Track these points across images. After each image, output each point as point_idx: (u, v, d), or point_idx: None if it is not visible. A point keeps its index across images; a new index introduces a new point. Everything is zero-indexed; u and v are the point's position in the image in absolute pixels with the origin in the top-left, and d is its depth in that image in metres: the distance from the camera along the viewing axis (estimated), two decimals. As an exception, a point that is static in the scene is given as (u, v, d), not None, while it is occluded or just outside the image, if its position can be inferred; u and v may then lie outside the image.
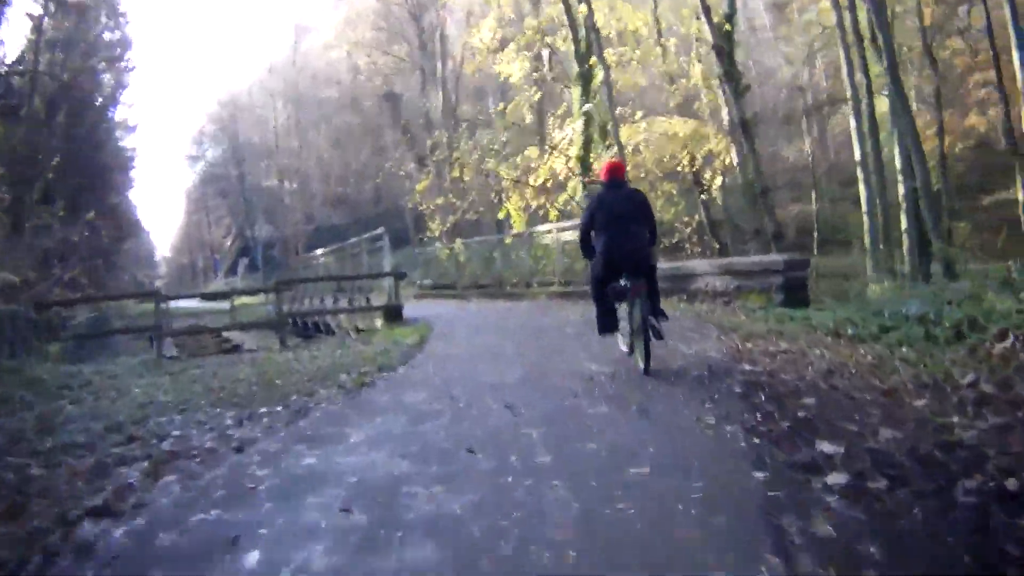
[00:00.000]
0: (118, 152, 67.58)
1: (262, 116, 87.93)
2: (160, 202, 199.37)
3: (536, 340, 15.24)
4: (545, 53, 38.76)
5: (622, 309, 11.89)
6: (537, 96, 40.39)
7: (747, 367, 10.50)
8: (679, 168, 36.52)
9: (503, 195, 37.34)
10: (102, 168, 58.78)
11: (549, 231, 28.59)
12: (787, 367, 10.33)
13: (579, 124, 33.90)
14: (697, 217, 37.32)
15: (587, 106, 33.61)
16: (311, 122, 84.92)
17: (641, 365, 10.80)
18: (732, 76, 31.17)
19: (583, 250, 12.29)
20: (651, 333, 10.82)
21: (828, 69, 51.65)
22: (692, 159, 36.25)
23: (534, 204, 35.04)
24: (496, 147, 36.96)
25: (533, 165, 34.93)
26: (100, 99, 60.24)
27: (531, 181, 34.74)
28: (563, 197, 34.71)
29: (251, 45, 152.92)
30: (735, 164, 33.39)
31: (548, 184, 34.51)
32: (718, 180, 36.06)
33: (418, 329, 18.96)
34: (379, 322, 22.62)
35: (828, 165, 54.87)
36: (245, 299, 47.05)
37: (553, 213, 34.65)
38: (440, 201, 38.22)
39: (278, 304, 24.12)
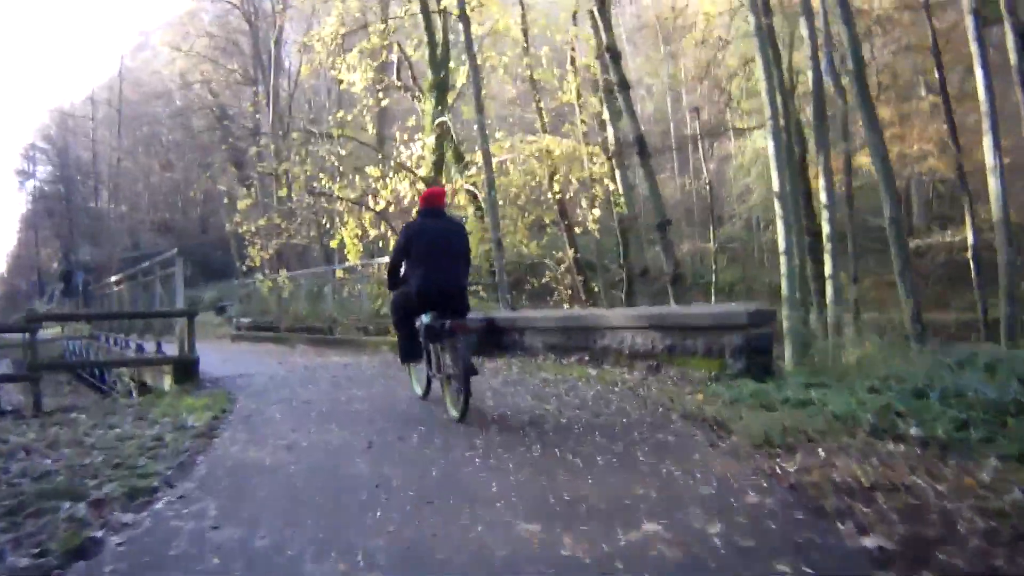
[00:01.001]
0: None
1: (92, 133, 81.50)
2: None
3: (406, 454, 8.70)
4: (394, 59, 32.31)
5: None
6: (385, 102, 33.96)
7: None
8: (550, 195, 30.42)
9: (338, 219, 31.04)
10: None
11: None
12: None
13: (431, 139, 28.60)
14: (572, 253, 31.43)
15: (442, 118, 28.33)
16: (141, 141, 79.78)
17: (454, 414, 10.28)
18: (625, 84, 26.13)
19: (389, 283, 12.20)
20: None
21: (712, 92, 46.92)
22: (560, 187, 30.28)
23: (373, 232, 29.03)
24: (331, 160, 31.26)
25: (374, 186, 28.81)
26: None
27: (371, 204, 28.67)
28: None
29: (87, 56, 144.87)
30: (618, 192, 28.47)
31: (391, 209, 28.63)
32: (595, 212, 29.93)
33: (215, 400, 12.77)
34: (168, 379, 16.31)
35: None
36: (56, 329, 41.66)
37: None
38: (262, 222, 31.59)
39: (28, 350, 17.14)
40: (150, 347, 20.32)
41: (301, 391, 13.70)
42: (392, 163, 29.28)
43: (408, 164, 28.99)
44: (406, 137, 29.44)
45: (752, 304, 15.35)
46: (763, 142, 31.09)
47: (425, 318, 10.85)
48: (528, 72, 31.91)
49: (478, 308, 21.87)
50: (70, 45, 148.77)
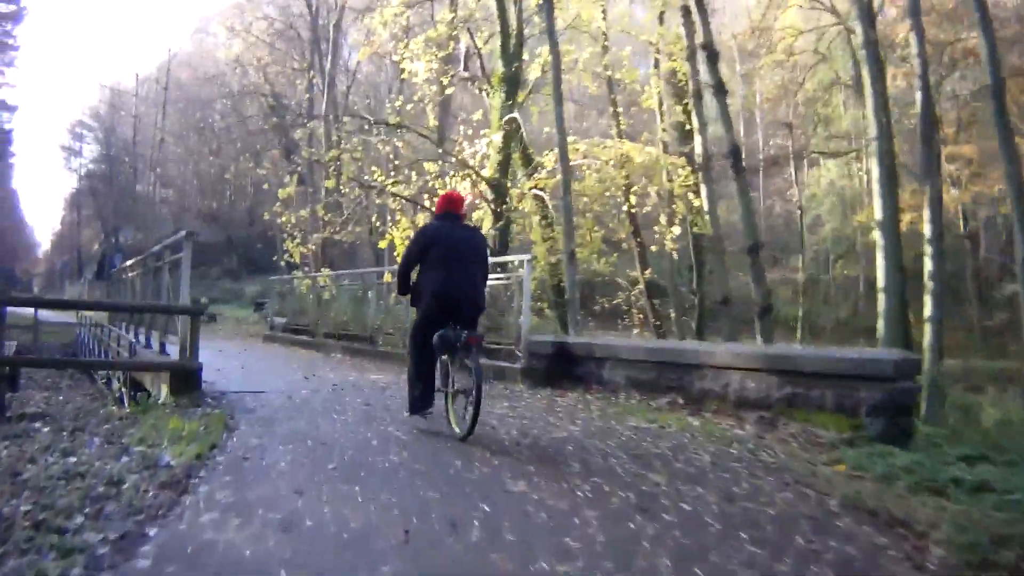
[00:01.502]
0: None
1: (144, 115, 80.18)
2: (45, 196, 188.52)
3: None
4: (462, 48, 29.34)
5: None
6: (450, 90, 31.07)
7: None
8: (624, 208, 27.60)
9: (390, 218, 28.51)
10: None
11: None
12: None
13: (497, 138, 25.50)
14: (647, 273, 28.28)
15: (511, 114, 25.17)
16: (192, 126, 78.04)
17: (459, 432, 9.70)
18: (722, 88, 23.02)
19: (399, 286, 11.37)
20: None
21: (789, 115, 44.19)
22: (636, 199, 27.64)
23: None
24: (386, 151, 28.80)
25: (431, 184, 25.98)
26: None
27: (427, 204, 25.59)
28: None
29: (143, 36, 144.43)
30: (700, 209, 25.65)
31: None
32: (675, 230, 26.93)
33: (210, 427, 9.86)
34: (165, 389, 13.19)
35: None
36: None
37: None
38: (304, 213, 28.43)
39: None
40: (154, 345, 17.18)
41: (323, 423, 10.60)
42: (453, 160, 26.26)
43: (471, 162, 25.96)
44: (470, 132, 26.46)
45: (896, 350, 12.53)
46: (836, 172, 28.05)
47: (444, 331, 10.11)
48: (607, 72, 29.21)
49: (540, 329, 19.84)
50: (129, 23, 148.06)
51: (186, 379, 13.05)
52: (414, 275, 10.89)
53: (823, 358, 11.25)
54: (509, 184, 25.56)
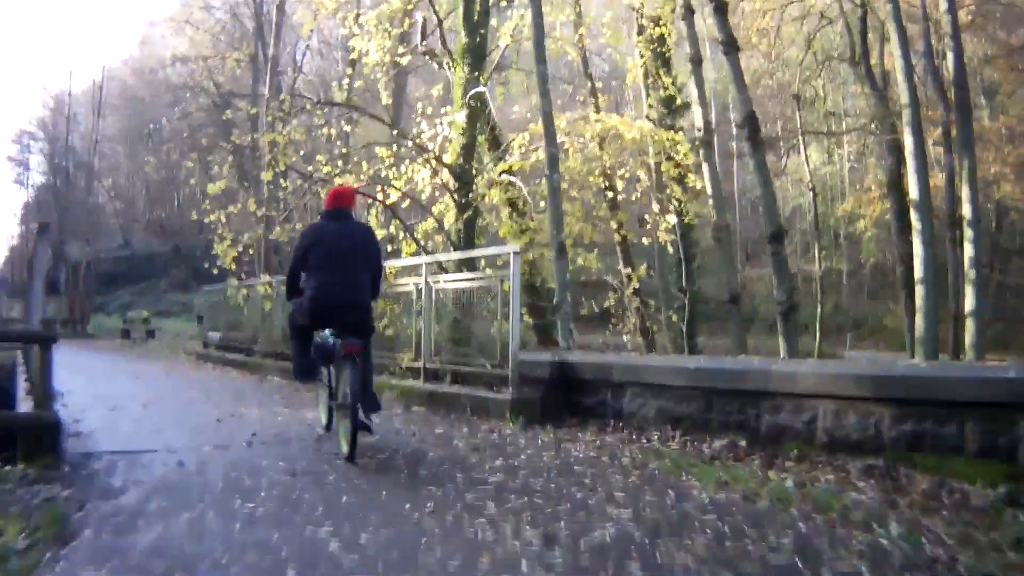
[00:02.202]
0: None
1: (91, 123, 75.41)
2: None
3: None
4: (418, 22, 24.91)
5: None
6: (405, 59, 25.66)
7: None
8: (610, 195, 23.39)
9: None
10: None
11: (414, 270, 16.18)
12: None
13: (460, 116, 20.97)
14: (642, 271, 24.40)
15: (477, 88, 20.99)
16: (139, 135, 76.14)
17: (345, 448, 9.09)
18: (734, 44, 19.75)
19: (289, 294, 10.85)
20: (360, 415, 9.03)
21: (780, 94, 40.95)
22: (619, 183, 23.08)
23: (380, 233, 20.98)
24: (330, 133, 25.10)
25: (385, 174, 21.34)
26: None
27: (380, 196, 21.38)
28: (426, 226, 21.90)
29: (89, 44, 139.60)
30: (707, 191, 22.47)
31: (404, 203, 22.10)
32: (669, 218, 22.82)
33: (35, 533, 5.94)
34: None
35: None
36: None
37: (410, 247, 21.39)
38: (234, 209, 24.23)
39: None
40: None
41: (214, 521, 6.48)
42: (409, 144, 22.09)
43: (430, 147, 21.40)
44: (429, 111, 21.62)
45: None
46: (818, 157, 25.09)
47: (321, 336, 9.90)
48: (582, 41, 25.57)
49: (532, 343, 17.10)
50: (73, 31, 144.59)
51: (37, 441, 8.92)
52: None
53: (958, 379, 7.89)
54: (475, 170, 21.61)
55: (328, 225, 10.24)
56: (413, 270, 16.55)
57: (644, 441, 9.62)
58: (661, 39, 25.20)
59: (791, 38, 35.84)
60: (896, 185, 29.49)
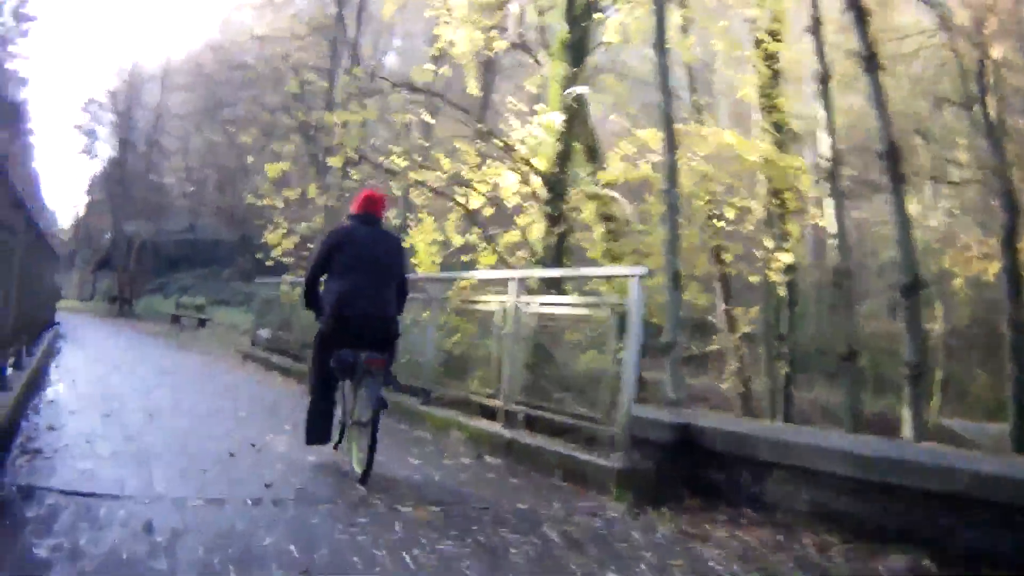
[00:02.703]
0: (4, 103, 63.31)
1: (167, 102, 76.14)
2: (68, 181, 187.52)
3: None
4: (512, 10, 22.32)
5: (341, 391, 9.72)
6: (500, 44, 22.58)
7: None
8: (715, 220, 20.95)
9: (411, 215, 21.98)
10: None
11: (497, 286, 13.13)
12: None
13: (557, 118, 18.20)
14: (753, 313, 21.83)
15: (578, 88, 18.36)
16: (214, 119, 72.25)
17: (358, 469, 8.62)
18: (874, 60, 16.92)
19: (307, 300, 10.03)
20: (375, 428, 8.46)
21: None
22: (731, 211, 20.80)
23: (457, 240, 19.72)
24: (406, 120, 22.67)
25: (465, 174, 19.15)
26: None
27: (459, 198, 19.23)
28: (509, 237, 19.38)
29: (173, 18, 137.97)
30: (829, 230, 19.69)
31: (486, 212, 19.68)
32: (784, 257, 20.34)
33: None
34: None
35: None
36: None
37: (487, 258, 19.04)
38: (291, 194, 21.84)
39: None
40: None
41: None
42: (497, 144, 19.29)
43: (521, 149, 18.94)
44: (522, 108, 19.42)
45: None
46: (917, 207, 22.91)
47: (343, 352, 9.03)
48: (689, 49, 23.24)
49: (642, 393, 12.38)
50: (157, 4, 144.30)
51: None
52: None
53: None
54: (567, 178, 18.80)
55: (357, 229, 9.71)
56: (496, 286, 13.65)
57: (796, 546, 7.05)
58: (772, 55, 22.86)
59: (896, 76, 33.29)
60: (1009, 244, 26.83)
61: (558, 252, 18.07)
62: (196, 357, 24.39)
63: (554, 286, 14.04)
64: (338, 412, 9.70)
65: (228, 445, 9.79)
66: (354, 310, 9.14)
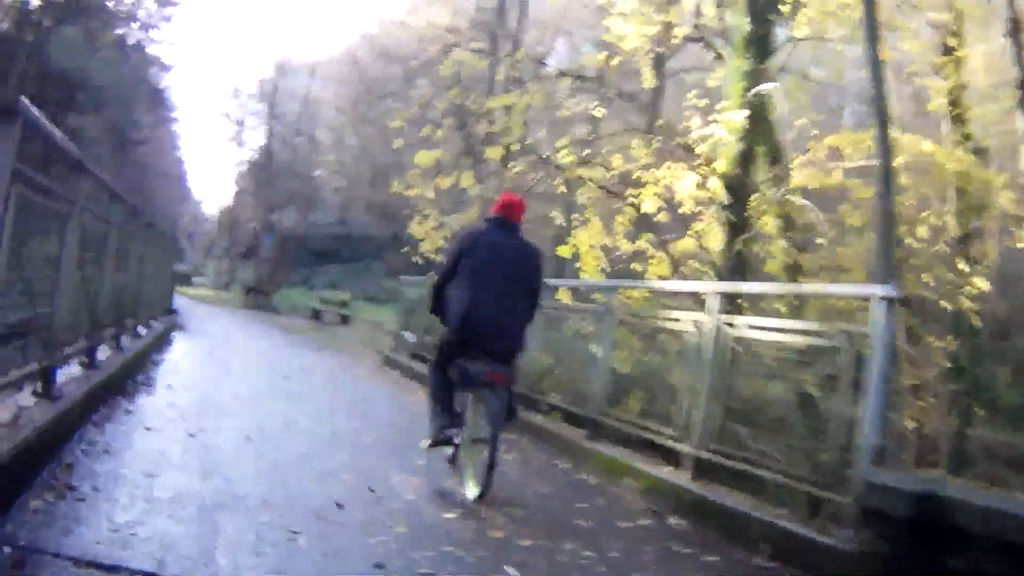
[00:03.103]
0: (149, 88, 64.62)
1: (317, 95, 77.64)
2: (215, 170, 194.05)
3: None
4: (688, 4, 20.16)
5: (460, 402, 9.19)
6: (676, 34, 20.59)
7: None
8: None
9: (576, 215, 19.84)
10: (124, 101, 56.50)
11: (688, 301, 12.20)
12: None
13: (740, 116, 16.32)
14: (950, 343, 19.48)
15: (764, 86, 16.36)
16: (368, 114, 71.78)
17: (473, 490, 8.24)
18: None
19: (433, 304, 9.67)
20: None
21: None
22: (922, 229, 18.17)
23: (626, 246, 18.01)
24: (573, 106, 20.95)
25: (635, 175, 17.65)
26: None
27: (629, 199, 17.51)
28: (683, 245, 17.56)
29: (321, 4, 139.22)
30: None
31: (659, 216, 17.80)
32: (979, 283, 18.06)
33: None
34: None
35: None
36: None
37: (660, 267, 17.45)
38: (442, 183, 20.28)
39: None
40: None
41: None
42: (680, 142, 17.63)
43: (699, 149, 17.13)
44: (703, 104, 17.77)
45: None
46: None
47: (467, 363, 8.68)
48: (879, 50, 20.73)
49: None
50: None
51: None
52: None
53: None
54: (749, 180, 16.68)
55: (490, 233, 9.25)
56: (681, 299, 12.84)
57: None
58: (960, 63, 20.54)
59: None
60: None
61: (739, 263, 16.29)
62: (329, 359, 22.64)
63: (731, 304, 11.39)
64: (445, 421, 9.17)
65: (338, 488, 7.92)
66: (479, 319, 8.79)
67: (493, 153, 20.19)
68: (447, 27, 47.55)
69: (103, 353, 11.55)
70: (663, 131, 17.98)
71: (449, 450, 9.19)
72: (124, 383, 11.79)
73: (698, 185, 17.12)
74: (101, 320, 11.51)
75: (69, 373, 9.40)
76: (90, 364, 10.50)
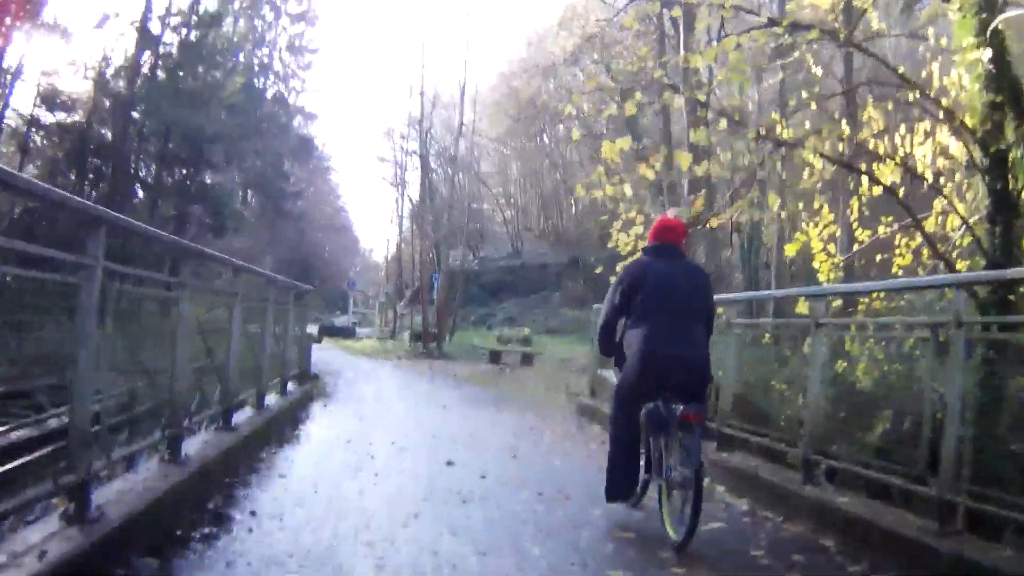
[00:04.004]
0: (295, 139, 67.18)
1: (470, 123, 70.00)
2: (378, 215, 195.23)
3: None
4: None
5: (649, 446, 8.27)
6: None
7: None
8: None
9: (802, 207, 15.84)
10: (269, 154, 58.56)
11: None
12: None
13: (987, 55, 12.26)
14: None
15: (1007, 14, 12.25)
16: (532, 140, 72.72)
17: (673, 534, 7.33)
18: None
19: (602, 343, 8.92)
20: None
21: None
22: None
23: (862, 234, 15.08)
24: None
25: (872, 144, 13.92)
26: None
27: (876, 171, 13.78)
28: (927, 225, 13.54)
29: (473, 43, 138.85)
30: None
31: (901, 186, 14.24)
32: None
33: None
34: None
35: None
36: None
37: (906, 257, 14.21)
38: (646, 171, 16.66)
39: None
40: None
41: None
42: (919, 94, 13.51)
43: (946, 102, 13.34)
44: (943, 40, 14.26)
45: None
46: None
47: (653, 404, 7.82)
48: None
49: None
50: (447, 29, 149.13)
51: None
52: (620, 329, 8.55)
53: None
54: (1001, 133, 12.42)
55: (656, 264, 8.34)
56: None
57: None
58: None
59: None
60: None
61: (1005, 241, 12.47)
62: (510, 418, 17.86)
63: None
64: (640, 468, 8.44)
65: None
66: (664, 356, 7.92)
67: (698, 137, 16.22)
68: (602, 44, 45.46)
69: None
70: (903, 83, 14.10)
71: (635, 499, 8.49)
72: (211, 495, 8.40)
73: (935, 147, 13.96)
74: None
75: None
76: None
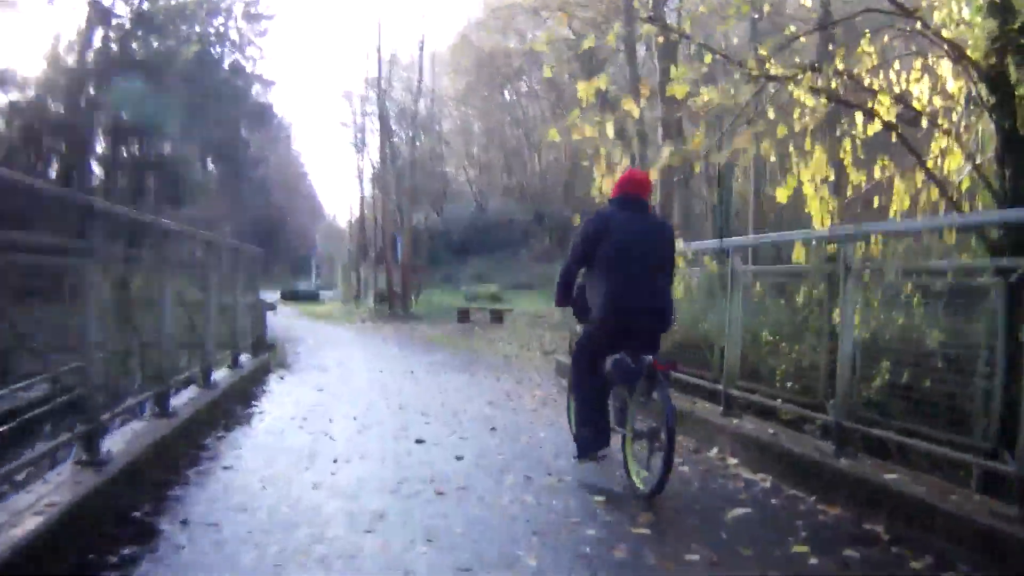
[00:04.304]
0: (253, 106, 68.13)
1: (429, 84, 72.93)
2: (343, 181, 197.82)
3: None
4: None
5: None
6: None
7: None
8: None
9: (792, 147, 13.49)
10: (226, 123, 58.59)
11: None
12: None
13: None
14: None
15: None
16: (493, 99, 72.81)
17: (640, 485, 7.50)
18: None
19: (559, 294, 9.02)
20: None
21: None
22: None
23: (857, 178, 12.95)
24: None
25: (869, 81, 12.39)
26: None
27: (887, 111, 12.17)
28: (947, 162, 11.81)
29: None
30: None
31: (896, 128, 12.20)
32: None
33: None
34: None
35: None
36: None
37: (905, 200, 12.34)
38: (630, 106, 15.29)
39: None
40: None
41: None
42: (920, 24, 11.63)
43: (948, 33, 11.46)
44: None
45: None
46: None
47: (619, 356, 8.00)
48: None
49: None
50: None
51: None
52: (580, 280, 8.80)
53: None
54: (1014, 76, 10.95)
55: (620, 215, 8.37)
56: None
57: None
58: None
59: None
60: None
61: (1016, 183, 11.39)
62: (484, 383, 16.72)
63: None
64: (607, 419, 8.48)
65: None
66: (629, 307, 8.06)
67: (677, 73, 14.91)
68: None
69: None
70: (902, 13, 12.93)
71: (603, 452, 8.47)
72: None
73: (935, 85, 12.45)
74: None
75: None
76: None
